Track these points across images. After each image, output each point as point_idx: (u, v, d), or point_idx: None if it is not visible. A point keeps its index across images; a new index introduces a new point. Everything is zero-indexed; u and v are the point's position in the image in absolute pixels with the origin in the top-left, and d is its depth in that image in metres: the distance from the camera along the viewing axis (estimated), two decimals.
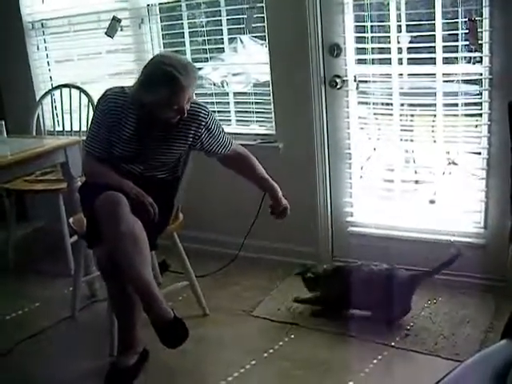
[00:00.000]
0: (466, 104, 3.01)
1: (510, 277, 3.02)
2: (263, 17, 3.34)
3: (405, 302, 2.82)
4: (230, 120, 3.70)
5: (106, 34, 3.76)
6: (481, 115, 3.00)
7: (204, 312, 3.07)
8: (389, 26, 3.04)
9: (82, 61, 4.11)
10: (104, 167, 2.61)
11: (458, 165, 3.39)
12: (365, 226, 3.41)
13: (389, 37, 3.07)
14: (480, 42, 2.83)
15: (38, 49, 4.23)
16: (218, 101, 3.71)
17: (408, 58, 3.08)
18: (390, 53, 3.08)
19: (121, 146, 2.62)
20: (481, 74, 2.93)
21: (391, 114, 3.20)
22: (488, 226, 3.10)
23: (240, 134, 3.51)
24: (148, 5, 3.71)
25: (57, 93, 4.00)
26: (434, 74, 3.02)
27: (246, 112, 3.66)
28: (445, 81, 3.02)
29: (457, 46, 2.92)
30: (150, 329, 2.29)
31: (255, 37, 3.64)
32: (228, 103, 3.70)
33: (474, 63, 2.99)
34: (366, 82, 3.24)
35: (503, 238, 2.93)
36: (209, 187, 3.62)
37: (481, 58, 2.90)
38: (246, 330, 2.93)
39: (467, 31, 2.82)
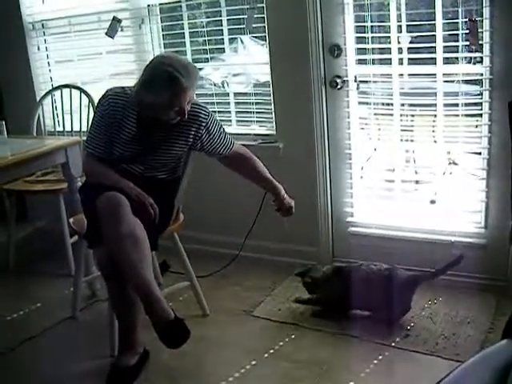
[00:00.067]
0: (467, 104, 3.01)
1: (510, 277, 3.03)
2: (263, 17, 3.34)
3: (405, 302, 2.82)
4: (230, 120, 3.70)
5: (106, 34, 3.76)
6: (481, 115, 3.00)
7: (204, 312, 3.07)
8: (389, 27, 3.04)
9: (82, 61, 4.11)
10: (104, 167, 2.62)
11: (459, 165, 3.39)
12: (365, 226, 3.41)
13: (389, 37, 3.07)
14: (480, 42, 2.83)
15: (38, 49, 4.23)
16: (218, 101, 3.71)
17: (408, 58, 3.08)
18: (390, 53, 3.08)
19: (121, 147, 2.62)
20: (481, 75, 2.92)
21: (392, 114, 3.20)
22: (488, 226, 3.10)
23: (240, 134, 3.51)
24: (148, 5, 3.71)
25: (57, 93, 4.00)
26: (435, 74, 3.02)
27: (247, 112, 3.66)
28: (445, 81, 3.02)
29: (457, 46, 2.92)
30: (151, 329, 2.29)
31: (256, 37, 3.64)
32: (228, 103, 3.70)
33: (474, 63, 2.99)
34: (366, 82, 3.24)
35: (504, 238, 2.94)
36: (209, 188, 3.62)
37: (481, 58, 2.90)
38: (246, 331, 2.93)
39: (467, 31, 2.82)
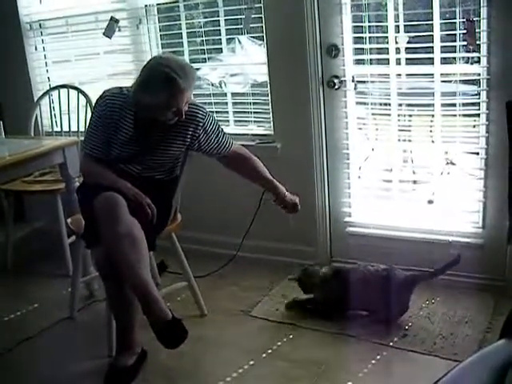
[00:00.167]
0: (464, 104, 3.01)
1: (508, 276, 3.03)
2: (261, 17, 3.34)
3: (403, 302, 2.82)
4: (228, 120, 3.70)
5: (103, 34, 3.76)
6: (479, 115, 3.00)
7: (202, 312, 3.07)
8: (387, 27, 3.04)
9: (79, 61, 4.10)
10: (102, 168, 2.62)
11: (456, 165, 3.39)
12: (363, 226, 3.41)
13: (387, 37, 3.07)
14: (478, 42, 2.83)
15: (35, 49, 4.23)
16: (216, 101, 3.71)
17: (406, 58, 3.08)
18: (387, 53, 3.08)
19: (119, 147, 2.62)
20: (479, 75, 2.93)
21: (389, 115, 3.20)
22: (486, 226, 3.10)
23: (238, 134, 3.51)
24: (146, 5, 3.71)
25: (55, 93, 3.99)
26: (432, 75, 3.02)
27: (244, 112, 3.66)
28: (443, 81, 3.02)
29: (455, 47, 2.92)
30: (149, 329, 2.29)
31: (253, 37, 3.64)
32: (226, 104, 3.70)
33: (471, 63, 2.99)
34: (364, 82, 3.24)
35: (501, 237, 2.94)
36: (207, 188, 3.62)
37: (479, 58, 2.91)
38: (244, 331, 2.93)
39: (465, 31, 2.82)
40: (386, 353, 2.64)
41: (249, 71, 3.71)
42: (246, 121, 3.68)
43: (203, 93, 3.74)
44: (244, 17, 3.38)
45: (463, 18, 2.83)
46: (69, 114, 3.88)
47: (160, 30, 3.78)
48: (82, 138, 2.77)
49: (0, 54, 4.20)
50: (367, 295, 2.80)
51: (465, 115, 3.08)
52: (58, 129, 4.01)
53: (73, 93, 3.83)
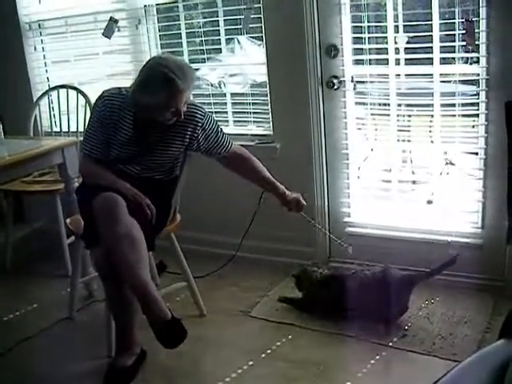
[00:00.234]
0: (463, 104, 3.01)
1: (507, 277, 3.03)
2: (260, 17, 3.34)
3: (402, 303, 2.81)
4: (227, 121, 3.70)
5: (103, 34, 3.76)
6: (478, 115, 3.00)
7: (201, 313, 3.07)
8: (386, 27, 3.04)
9: (79, 61, 4.11)
10: (101, 168, 2.62)
11: (456, 165, 3.39)
12: (362, 226, 3.41)
13: (386, 37, 3.08)
14: (477, 42, 2.84)
15: (35, 49, 4.23)
16: (215, 101, 3.71)
17: (405, 59, 3.08)
18: (387, 53, 3.08)
19: (118, 147, 2.62)
20: (478, 75, 2.93)
21: (388, 115, 3.20)
22: (485, 226, 3.10)
23: (237, 134, 3.51)
24: (145, 5, 3.71)
25: (54, 93, 3.99)
26: (431, 75, 3.02)
27: (244, 113, 3.66)
28: (442, 81, 3.02)
29: (454, 47, 2.92)
30: (148, 329, 2.29)
31: (252, 37, 3.64)
32: (225, 104, 3.70)
33: (471, 64, 2.99)
34: (363, 82, 3.24)
35: (500, 238, 2.94)
36: (206, 188, 3.62)
37: (478, 58, 2.91)
38: (243, 331, 2.93)
39: (464, 32, 2.82)
40: (386, 353, 2.64)
41: (248, 71, 3.71)
42: (245, 121, 3.68)
43: (202, 93, 3.75)
44: (243, 17, 3.38)
45: (462, 19, 2.83)
46: (68, 114, 3.88)
47: (159, 31, 3.78)
48: (81, 139, 2.77)
49: None
50: (365, 301, 2.78)
51: (464, 115, 3.08)
52: (58, 129, 4.01)
53: (72, 93, 3.83)
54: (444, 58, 2.97)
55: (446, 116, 3.08)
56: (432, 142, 3.19)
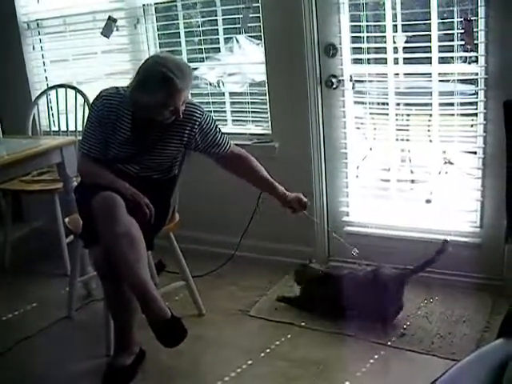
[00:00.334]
0: (462, 103, 3.01)
1: (506, 276, 3.03)
2: (259, 17, 3.34)
3: (395, 301, 2.80)
4: (225, 120, 3.70)
5: (101, 33, 3.76)
6: (476, 115, 3.00)
7: (200, 312, 3.07)
8: (384, 26, 3.04)
9: (77, 61, 4.11)
10: (99, 168, 2.61)
11: (454, 164, 3.39)
12: (361, 225, 3.42)
13: (384, 36, 3.07)
14: (475, 41, 2.84)
15: (33, 49, 4.22)
16: (213, 101, 3.70)
17: (404, 58, 3.08)
18: (385, 52, 3.08)
19: (116, 147, 2.62)
20: (476, 74, 2.93)
21: (387, 114, 3.20)
22: (484, 225, 3.11)
23: (236, 133, 3.51)
24: (144, 5, 3.70)
25: (52, 93, 3.99)
26: (430, 74, 3.02)
27: (242, 112, 3.66)
28: (440, 80, 3.02)
29: (452, 46, 2.92)
30: (147, 328, 2.29)
31: (251, 37, 3.63)
32: (224, 103, 3.70)
33: (469, 63, 2.99)
34: (361, 81, 3.24)
35: (499, 237, 2.94)
36: (205, 187, 3.62)
37: (476, 57, 2.91)
38: (242, 330, 2.94)
39: (463, 31, 2.82)
40: (384, 352, 2.64)
41: (247, 71, 3.71)
42: (243, 120, 3.68)
43: (201, 92, 3.74)
44: (242, 16, 3.38)
45: (461, 18, 2.83)
46: (66, 113, 3.88)
47: (158, 30, 3.77)
48: (80, 138, 2.77)
49: None
50: (360, 300, 2.77)
51: (462, 114, 3.08)
52: (56, 128, 4.01)
53: (70, 92, 3.83)
54: (443, 58, 2.97)
55: (444, 115, 3.09)
56: (431, 141, 3.19)
